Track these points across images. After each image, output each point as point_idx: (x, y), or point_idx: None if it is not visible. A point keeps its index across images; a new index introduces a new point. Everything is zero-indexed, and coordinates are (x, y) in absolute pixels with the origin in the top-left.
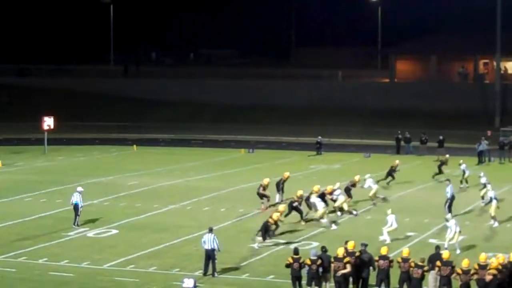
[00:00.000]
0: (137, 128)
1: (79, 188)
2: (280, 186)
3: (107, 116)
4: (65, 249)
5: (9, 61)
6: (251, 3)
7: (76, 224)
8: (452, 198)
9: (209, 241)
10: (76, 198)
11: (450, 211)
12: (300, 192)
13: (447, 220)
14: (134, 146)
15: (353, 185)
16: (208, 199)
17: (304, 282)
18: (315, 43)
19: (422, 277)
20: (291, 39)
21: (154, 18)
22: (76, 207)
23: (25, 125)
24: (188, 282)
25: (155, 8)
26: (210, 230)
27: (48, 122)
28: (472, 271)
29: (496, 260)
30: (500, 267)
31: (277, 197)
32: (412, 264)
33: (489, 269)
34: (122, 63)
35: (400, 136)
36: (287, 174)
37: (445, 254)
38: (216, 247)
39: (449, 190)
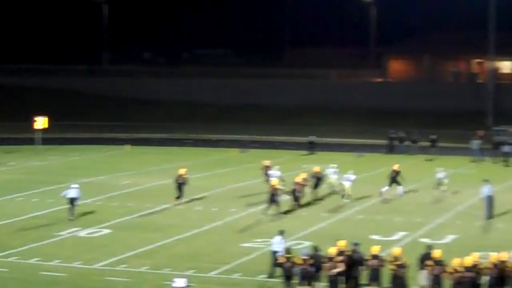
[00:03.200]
0: (130, 127)
1: (75, 185)
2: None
3: (100, 116)
4: (57, 249)
5: (2, 61)
6: (245, 2)
7: (72, 216)
8: (488, 198)
9: (276, 243)
10: (73, 192)
11: (489, 211)
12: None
13: None
14: (127, 145)
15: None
16: (200, 198)
17: (295, 281)
18: (309, 43)
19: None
20: (285, 38)
21: (147, 17)
22: (73, 200)
23: (18, 125)
24: (179, 282)
25: (149, 7)
26: (281, 233)
27: (40, 122)
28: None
29: (466, 259)
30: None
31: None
32: (393, 266)
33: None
34: (115, 62)
35: (393, 135)
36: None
37: (436, 253)
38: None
39: (485, 191)
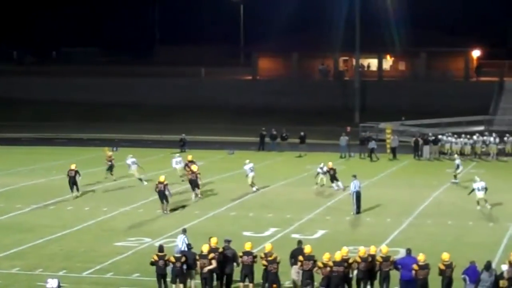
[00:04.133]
0: None
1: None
2: None
3: None
4: None
5: None
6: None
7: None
8: (356, 193)
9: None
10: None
11: (357, 206)
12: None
13: None
14: None
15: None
16: (72, 198)
17: (168, 279)
18: (178, 40)
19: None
20: (155, 36)
21: (15, 15)
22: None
23: None
24: (52, 283)
25: (16, 5)
26: (184, 231)
27: None
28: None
29: (340, 253)
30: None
31: None
32: (264, 262)
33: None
34: None
35: (264, 133)
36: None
37: (307, 249)
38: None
39: (353, 186)
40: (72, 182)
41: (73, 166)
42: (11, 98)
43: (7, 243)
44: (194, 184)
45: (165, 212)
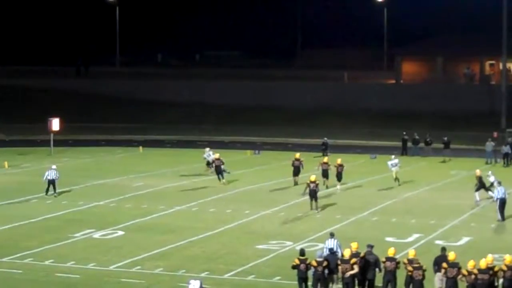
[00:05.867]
0: (142, 129)
1: (54, 166)
2: None
3: (112, 118)
4: (71, 251)
5: (16, 63)
6: (256, 4)
7: (49, 193)
8: (502, 200)
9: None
10: (52, 174)
11: (502, 213)
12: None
13: None
14: (140, 147)
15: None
16: (214, 200)
17: (310, 283)
18: (321, 44)
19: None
20: (297, 40)
21: (160, 19)
22: (52, 181)
23: (31, 127)
24: (194, 284)
25: (161, 9)
26: (332, 235)
27: (54, 124)
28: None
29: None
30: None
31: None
32: (410, 268)
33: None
34: (128, 64)
35: (406, 137)
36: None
37: (451, 256)
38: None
39: (496, 193)
40: (218, 171)
41: (217, 155)
42: (155, 100)
43: (151, 244)
44: (340, 177)
45: (317, 210)
